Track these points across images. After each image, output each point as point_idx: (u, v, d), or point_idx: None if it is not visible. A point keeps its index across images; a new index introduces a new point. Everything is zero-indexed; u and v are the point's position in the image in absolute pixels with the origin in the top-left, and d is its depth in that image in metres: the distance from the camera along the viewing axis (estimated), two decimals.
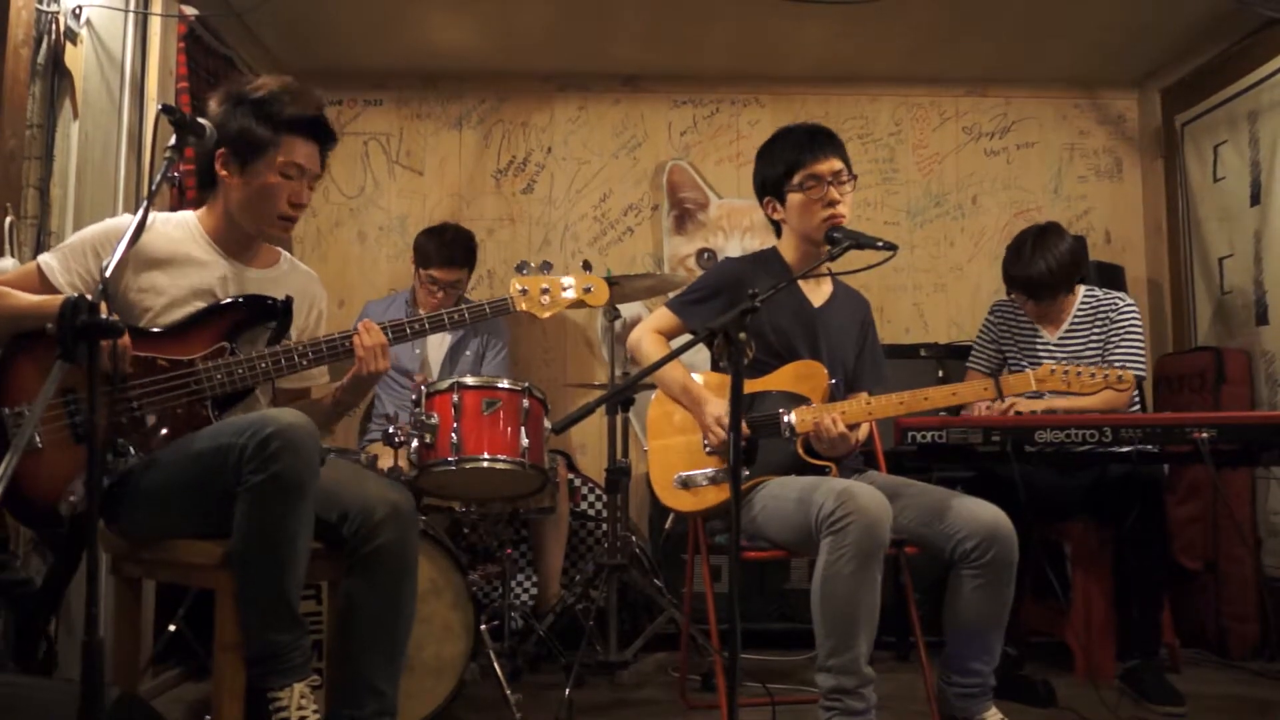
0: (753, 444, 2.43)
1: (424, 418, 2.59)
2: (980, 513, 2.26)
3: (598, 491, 3.70)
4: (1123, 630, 2.87)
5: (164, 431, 1.96)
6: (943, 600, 2.35)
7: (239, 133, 2.05)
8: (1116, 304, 3.04)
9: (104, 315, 1.47)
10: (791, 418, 2.40)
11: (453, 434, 2.57)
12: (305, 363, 2.06)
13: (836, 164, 2.47)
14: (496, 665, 2.62)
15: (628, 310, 3.98)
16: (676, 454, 2.52)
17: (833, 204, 2.44)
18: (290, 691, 1.82)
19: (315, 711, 1.83)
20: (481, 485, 2.76)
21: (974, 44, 3.99)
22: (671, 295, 2.70)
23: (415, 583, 2.03)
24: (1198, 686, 2.89)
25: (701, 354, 2.83)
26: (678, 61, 4.19)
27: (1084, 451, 2.69)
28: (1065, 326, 3.08)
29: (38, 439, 1.88)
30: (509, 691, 2.59)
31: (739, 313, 1.74)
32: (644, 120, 4.35)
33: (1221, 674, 3.22)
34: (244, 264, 2.18)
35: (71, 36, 2.68)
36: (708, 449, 2.47)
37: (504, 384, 2.67)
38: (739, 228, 4.31)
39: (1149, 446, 2.56)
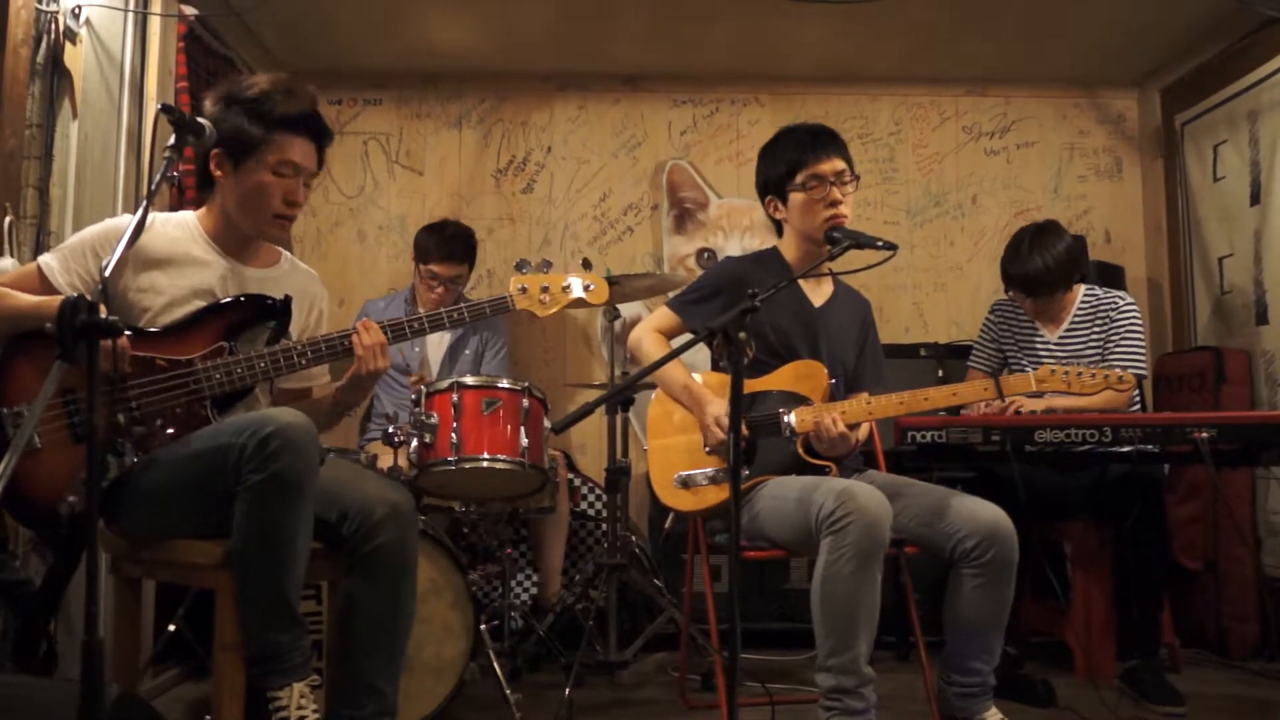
0: (752, 444, 2.43)
1: (423, 417, 2.59)
2: (980, 512, 2.26)
3: (597, 491, 3.70)
4: (1123, 630, 2.87)
5: (163, 431, 1.96)
6: (943, 600, 2.35)
7: (232, 132, 2.04)
8: (1117, 303, 3.04)
9: (103, 315, 1.47)
10: (792, 417, 2.40)
11: (452, 434, 2.57)
12: (304, 362, 2.06)
13: (839, 164, 2.47)
14: (496, 665, 2.62)
15: (627, 310, 3.98)
16: (676, 453, 2.52)
17: (835, 204, 2.45)
18: (290, 691, 1.82)
19: (315, 711, 1.83)
20: (481, 485, 2.76)
21: (974, 44, 3.99)
22: (672, 294, 2.70)
23: (415, 582, 2.03)
24: (1198, 686, 2.88)
25: (702, 353, 2.85)
26: (678, 61, 4.18)
27: (1084, 451, 2.69)
28: (1065, 325, 3.08)
29: (37, 439, 1.88)
30: (509, 691, 2.59)
31: (739, 312, 1.74)
32: (644, 120, 4.35)
33: (1221, 674, 3.22)
34: (244, 263, 2.18)
35: (71, 36, 2.68)
36: (708, 449, 2.47)
37: (504, 384, 2.67)
38: (739, 227, 4.31)
39: (1149, 446, 2.56)
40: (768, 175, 2.56)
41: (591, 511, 3.73)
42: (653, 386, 2.70)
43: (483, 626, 2.60)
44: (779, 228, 2.63)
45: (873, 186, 4.31)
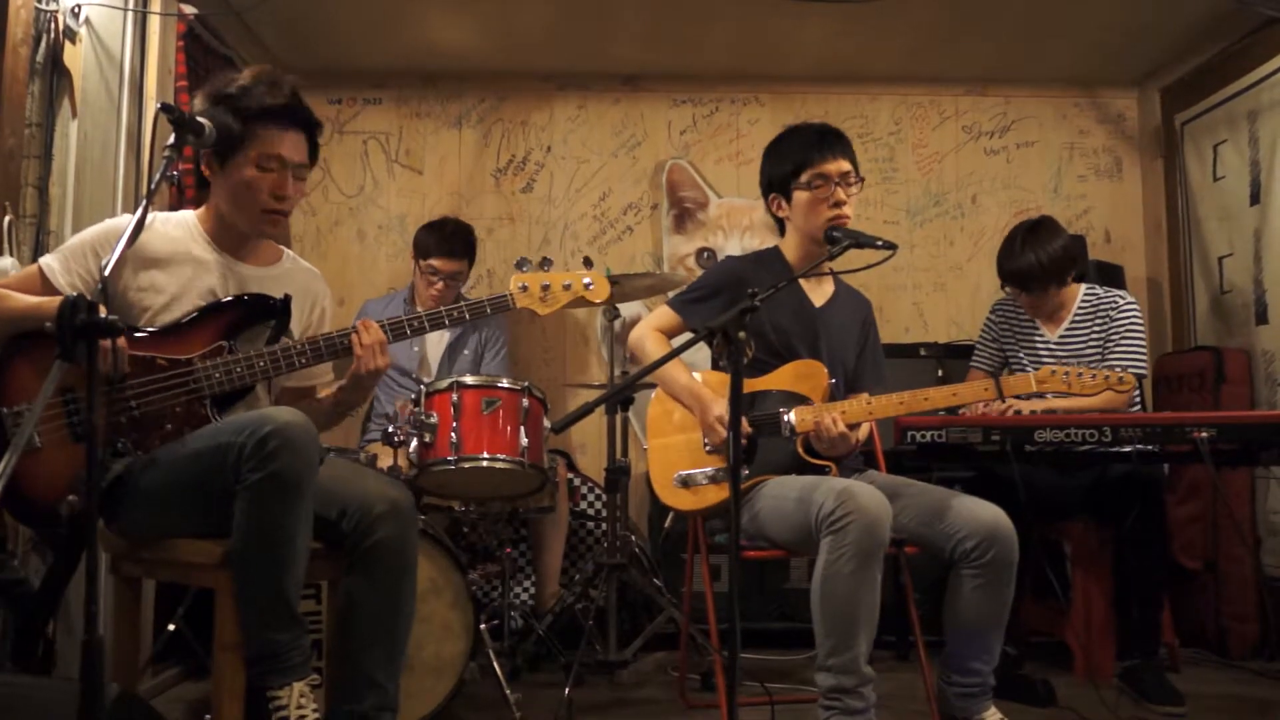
0: (753, 443, 2.43)
1: (423, 417, 2.58)
2: (980, 512, 2.26)
3: (597, 491, 3.70)
4: (1122, 630, 2.87)
5: (163, 430, 1.96)
6: (942, 600, 2.35)
7: (217, 129, 2.02)
8: (1117, 302, 3.04)
9: (102, 315, 1.46)
10: (792, 417, 2.40)
11: (452, 433, 2.57)
12: (303, 361, 2.05)
13: (845, 165, 2.48)
14: (496, 664, 2.62)
15: (627, 309, 3.97)
16: (676, 453, 2.52)
17: (839, 204, 2.45)
18: (290, 690, 1.82)
19: (315, 711, 1.83)
20: (481, 484, 2.76)
21: (974, 44, 3.99)
22: (672, 294, 2.70)
23: (415, 579, 2.03)
24: (1197, 686, 2.88)
25: (702, 353, 2.84)
26: (678, 61, 4.18)
27: (1084, 451, 2.68)
28: (1066, 325, 3.09)
29: (36, 438, 1.88)
30: (508, 691, 2.59)
31: (738, 312, 1.74)
32: (644, 119, 4.35)
33: (1221, 674, 3.22)
34: (244, 262, 2.18)
35: (70, 35, 2.67)
36: (708, 448, 2.47)
37: (503, 383, 2.67)
38: (738, 227, 4.31)
39: (1149, 446, 2.56)
40: (773, 173, 2.56)
41: (591, 511, 3.72)
42: (652, 386, 2.70)
43: (482, 626, 2.60)
44: (781, 226, 2.63)
45: (873, 186, 4.31)
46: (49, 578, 2.12)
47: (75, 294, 1.48)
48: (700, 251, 4.30)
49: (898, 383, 2.53)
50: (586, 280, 2.20)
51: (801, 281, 2.56)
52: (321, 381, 2.31)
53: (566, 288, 2.19)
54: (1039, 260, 2.95)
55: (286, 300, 2.12)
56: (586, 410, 1.77)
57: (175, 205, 2.97)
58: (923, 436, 2.57)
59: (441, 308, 2.17)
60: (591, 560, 3.33)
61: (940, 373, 3.69)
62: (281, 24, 3.75)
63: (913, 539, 2.38)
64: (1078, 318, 3.08)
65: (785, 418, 2.41)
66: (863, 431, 2.57)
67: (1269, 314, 3.58)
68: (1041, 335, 3.11)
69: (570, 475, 3.60)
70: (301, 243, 4.22)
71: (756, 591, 3.51)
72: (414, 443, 2.59)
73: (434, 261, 3.52)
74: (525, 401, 2.65)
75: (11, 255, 2.41)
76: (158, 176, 1.87)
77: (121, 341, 1.89)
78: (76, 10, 2.69)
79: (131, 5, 2.94)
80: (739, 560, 1.77)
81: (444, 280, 3.54)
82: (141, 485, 1.91)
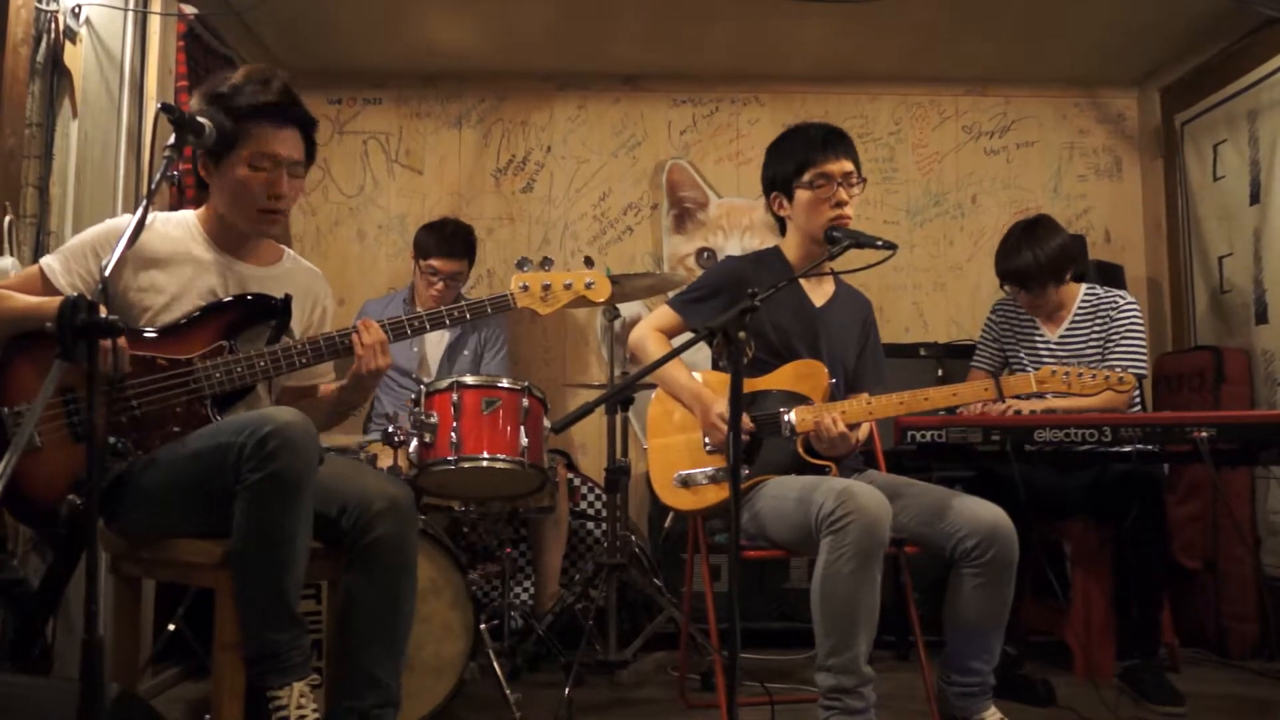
0: (757, 441, 2.43)
1: (423, 417, 2.59)
2: (980, 512, 2.27)
3: (597, 491, 3.70)
4: (1122, 630, 2.87)
5: (163, 430, 1.96)
6: (942, 599, 2.35)
7: (211, 130, 2.03)
8: (1117, 302, 3.04)
9: (102, 315, 1.46)
10: (792, 417, 2.40)
11: (452, 433, 2.57)
12: (304, 361, 2.05)
13: (848, 165, 2.48)
14: (496, 664, 2.62)
15: (627, 309, 3.98)
16: (676, 452, 2.52)
17: (841, 204, 2.45)
18: (289, 690, 1.82)
19: (314, 711, 1.83)
20: (481, 484, 2.76)
21: (974, 44, 3.99)
22: (672, 293, 2.70)
23: (415, 577, 2.03)
24: (1197, 686, 2.88)
25: (702, 353, 2.84)
26: (678, 61, 4.18)
27: (1084, 451, 2.69)
28: (1066, 325, 3.09)
29: (37, 438, 1.88)
30: (508, 691, 2.59)
31: (738, 312, 1.75)
32: (643, 119, 4.35)
33: (1221, 674, 3.22)
34: (244, 262, 2.18)
35: (71, 35, 2.67)
36: (708, 448, 2.47)
37: (504, 383, 2.67)
38: (738, 227, 4.31)
39: (1149, 446, 2.56)
40: (775, 171, 2.56)
41: (591, 511, 3.73)
42: (652, 386, 2.70)
43: (482, 626, 2.60)
44: (782, 225, 2.63)
45: (873, 186, 4.30)
46: (48, 577, 2.12)
47: (75, 294, 1.48)
48: (700, 251, 4.30)
49: (898, 383, 2.53)
50: (588, 280, 2.20)
51: (802, 281, 2.57)
52: (322, 380, 2.31)
53: (568, 287, 2.19)
54: (1036, 258, 2.95)
55: (287, 300, 2.12)
56: (586, 410, 1.77)
57: (175, 205, 2.97)
58: (923, 436, 2.57)
59: (442, 307, 2.17)
60: (591, 560, 3.33)
61: (940, 373, 3.70)
62: (281, 24, 3.75)
63: (913, 539, 2.38)
64: (1078, 317, 3.08)
65: (785, 417, 2.41)
66: (863, 431, 2.57)
67: (1269, 314, 3.58)
68: (1042, 335, 3.11)
69: (570, 475, 3.60)
70: (301, 243, 4.22)
71: (756, 591, 3.51)
72: (414, 443, 2.59)
73: (434, 262, 3.53)
74: (525, 401, 2.65)
75: (12, 255, 2.41)
76: (158, 176, 1.87)
77: (123, 342, 1.89)
78: (76, 10, 2.69)
79: (131, 5, 2.94)
80: (739, 560, 1.77)
81: (444, 281, 3.54)
82: (142, 485, 1.91)
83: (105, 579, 2.05)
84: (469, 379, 2.65)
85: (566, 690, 2.65)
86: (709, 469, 2.46)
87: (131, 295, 2.05)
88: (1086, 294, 3.09)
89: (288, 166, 2.08)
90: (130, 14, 2.94)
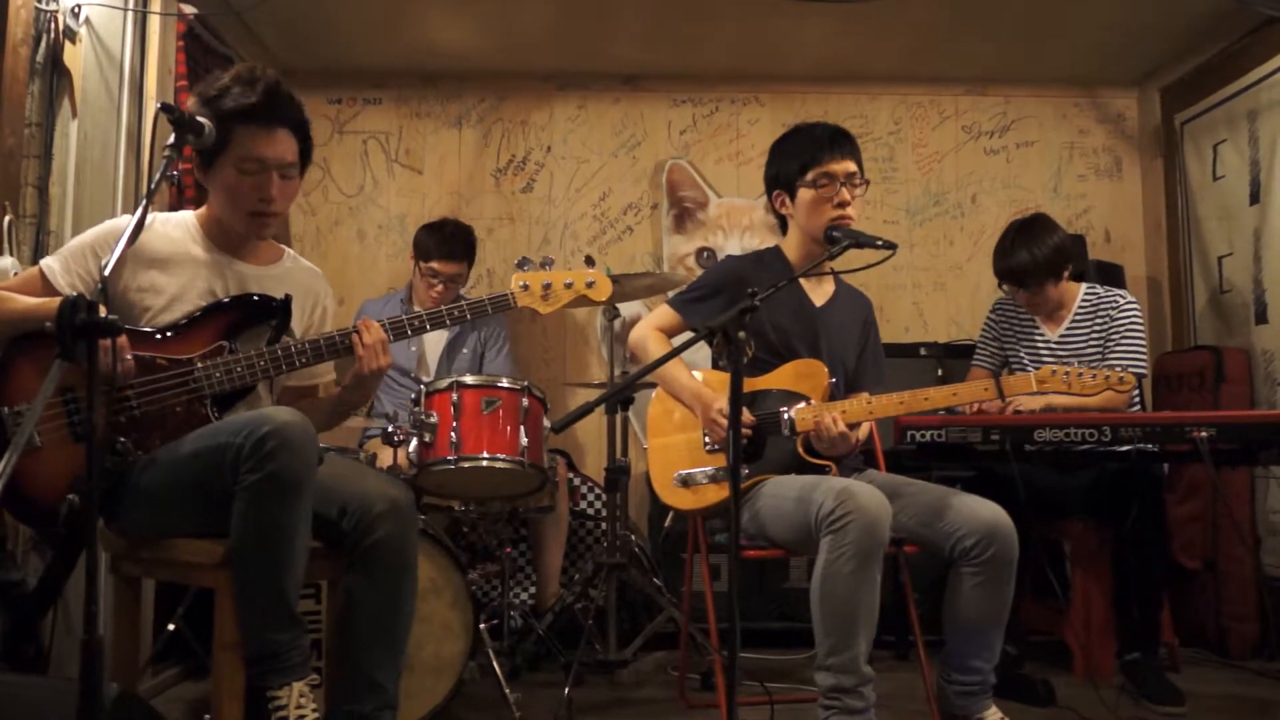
0: (760, 439, 2.43)
1: (423, 417, 2.58)
2: (980, 510, 2.27)
3: (597, 490, 3.70)
4: (1122, 629, 2.87)
5: (164, 430, 1.96)
6: (942, 599, 2.35)
7: (211, 130, 2.01)
8: (1117, 301, 3.04)
9: (102, 314, 1.46)
10: (792, 415, 2.40)
11: (452, 433, 2.57)
12: (303, 361, 2.05)
13: (851, 166, 2.48)
14: (496, 664, 2.62)
15: (627, 309, 3.97)
16: (676, 452, 2.52)
17: (843, 205, 2.45)
18: (289, 690, 1.82)
19: (314, 710, 1.83)
20: (481, 484, 2.76)
21: (974, 43, 3.99)
22: (672, 293, 2.70)
23: (415, 578, 2.03)
24: (1197, 686, 2.88)
25: (702, 352, 2.84)
26: (678, 61, 4.18)
27: (1083, 450, 2.68)
28: (1066, 324, 3.09)
29: (37, 438, 1.88)
30: (508, 690, 2.60)
31: (738, 311, 1.74)
32: (643, 119, 4.35)
33: (1221, 673, 3.22)
34: (244, 261, 2.18)
35: (70, 35, 2.67)
36: (709, 446, 2.48)
37: (503, 383, 2.67)
38: (738, 226, 4.31)
39: (1148, 445, 2.56)
40: (779, 170, 2.56)
41: (591, 511, 3.73)
42: (652, 385, 2.70)
43: (482, 625, 2.60)
44: (783, 224, 2.63)
45: (873, 186, 4.28)
46: (46, 577, 2.12)
47: (75, 294, 1.48)
48: (700, 251, 4.30)
49: (897, 382, 2.53)
50: (588, 279, 2.20)
51: (802, 281, 2.57)
52: (323, 380, 2.31)
53: (568, 286, 2.19)
54: (1033, 257, 2.95)
55: (287, 300, 2.12)
56: (586, 410, 1.77)
57: (175, 205, 2.97)
58: (923, 436, 2.57)
59: (442, 307, 2.17)
60: (591, 560, 3.33)
61: (940, 372, 3.70)
62: (281, 24, 3.75)
63: (912, 538, 2.38)
64: (1078, 317, 3.08)
65: (785, 415, 2.41)
66: (863, 431, 2.57)
67: (1269, 313, 3.58)
68: (1042, 334, 3.11)
69: (570, 475, 3.60)
70: (301, 242, 4.22)
71: (756, 591, 3.51)
72: (414, 442, 2.59)
73: (434, 264, 3.53)
74: (525, 401, 2.65)
75: (11, 255, 2.41)
76: (158, 176, 1.86)
77: (124, 342, 1.89)
78: (76, 10, 2.69)
79: (131, 5, 2.94)
80: (739, 560, 1.76)
81: (444, 283, 3.54)
82: (141, 485, 1.91)
83: (105, 579, 2.05)
84: (469, 379, 2.65)
85: (566, 690, 2.65)
86: (709, 468, 2.46)
87: (131, 295, 2.05)
88: (1086, 293, 3.09)
89: (277, 169, 2.06)
90: (130, 14, 2.94)
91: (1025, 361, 3.11)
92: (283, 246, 2.31)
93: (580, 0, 3.65)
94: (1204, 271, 3.96)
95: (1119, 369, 2.37)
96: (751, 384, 2.46)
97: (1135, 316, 3.01)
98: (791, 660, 3.26)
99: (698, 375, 2.56)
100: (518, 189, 4.33)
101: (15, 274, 2.22)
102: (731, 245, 4.28)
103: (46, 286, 2.00)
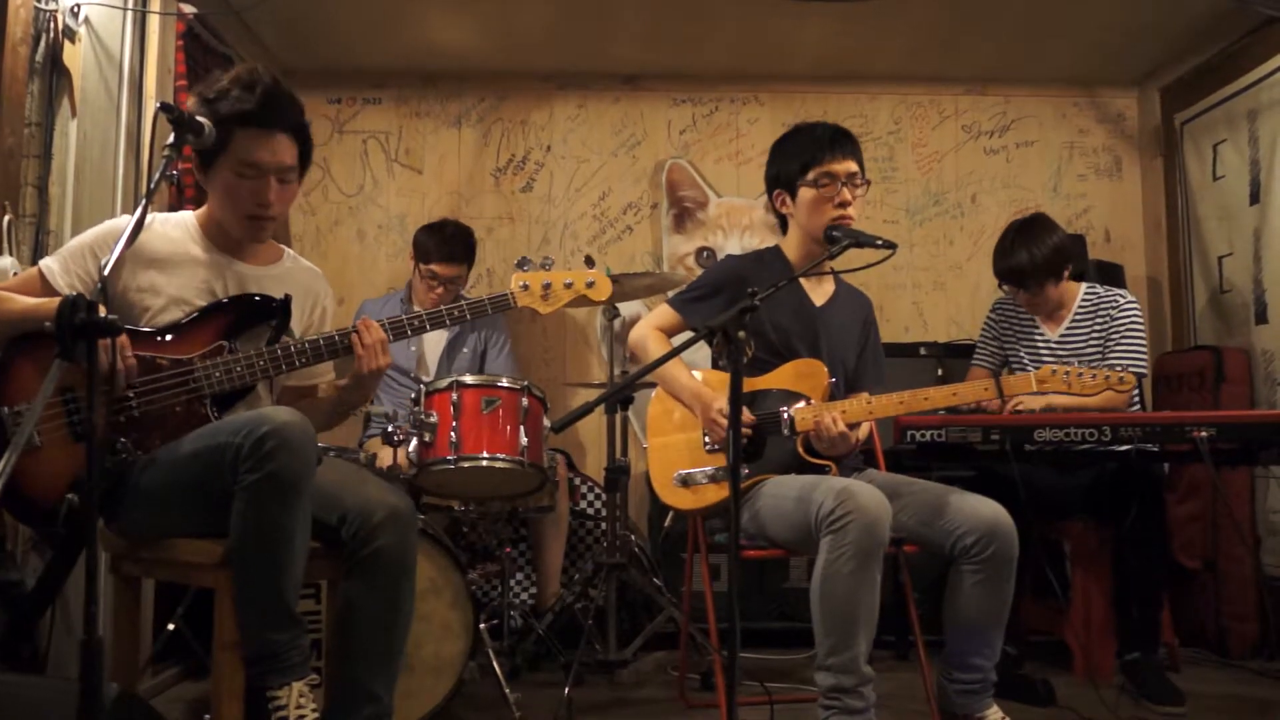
0: (760, 439, 2.43)
1: (423, 416, 2.58)
2: (980, 508, 2.27)
3: (597, 490, 3.70)
4: (1122, 629, 2.87)
5: (163, 430, 1.96)
6: (942, 598, 2.35)
7: (211, 130, 2.00)
8: (1117, 301, 3.04)
9: (102, 314, 1.46)
10: (792, 414, 2.40)
11: (452, 433, 2.57)
12: (304, 360, 2.05)
13: (852, 166, 2.48)
14: (495, 664, 2.62)
15: (627, 309, 3.97)
16: (676, 452, 2.52)
17: (844, 205, 2.45)
18: (289, 690, 1.82)
19: (314, 710, 1.83)
20: (480, 484, 2.76)
21: (974, 43, 3.99)
22: (672, 293, 2.70)
23: (414, 586, 2.02)
24: (1198, 686, 2.88)
25: (702, 352, 2.84)
26: (678, 61, 4.18)
27: (1083, 450, 2.68)
28: (1066, 324, 3.09)
29: (36, 437, 1.88)
30: (508, 690, 2.59)
31: (738, 311, 1.74)
32: (643, 119, 4.35)
33: (1221, 673, 3.22)
34: (243, 261, 2.18)
35: (70, 35, 2.67)
36: (709, 446, 2.47)
37: (503, 383, 2.67)
38: (738, 226, 4.30)
39: (1149, 445, 2.56)
40: (780, 169, 2.56)
41: (591, 511, 3.72)
42: (652, 385, 2.70)
43: (482, 625, 2.60)
44: (784, 223, 2.63)
45: (873, 185, 4.27)
46: (45, 577, 2.12)
47: (74, 294, 1.48)
48: (700, 251, 4.30)
49: (897, 382, 2.53)
50: (588, 279, 2.20)
51: (802, 281, 2.57)
52: (323, 380, 2.31)
53: (568, 286, 2.19)
54: (1032, 257, 2.95)
55: (287, 300, 2.12)
56: (586, 410, 1.77)
57: (175, 205, 2.97)
58: (923, 436, 2.57)
59: (442, 307, 2.17)
60: (591, 560, 3.33)
61: (940, 372, 3.69)
62: (281, 24, 3.75)
63: (912, 538, 2.38)
64: (1078, 317, 3.08)
65: (785, 414, 2.41)
66: (863, 431, 2.57)
67: (1269, 313, 3.58)
68: (1042, 334, 3.11)
69: (570, 474, 3.60)
70: (301, 242, 4.22)
71: (756, 591, 3.51)
72: (413, 442, 2.58)
73: (434, 266, 3.52)
74: (525, 401, 2.65)
75: (11, 255, 2.41)
76: (157, 176, 1.86)
77: (124, 341, 1.89)
78: (76, 10, 2.69)
79: (131, 5, 2.94)
80: (739, 560, 1.76)
81: (444, 285, 3.54)
82: (141, 485, 1.91)
83: (105, 579, 2.05)
84: (468, 378, 2.65)
85: (566, 690, 2.65)
86: (709, 468, 2.46)
87: (131, 295, 2.05)
88: (1087, 293, 3.09)
89: (275, 174, 2.05)
90: (129, 13, 2.94)
91: (1025, 361, 3.11)
92: (282, 246, 2.30)
93: (580, 0, 3.65)
94: (1204, 271, 3.96)
95: (1119, 369, 2.38)
96: (751, 384, 2.46)
97: (1135, 316, 3.01)
98: (791, 660, 3.26)
99: (698, 375, 2.56)
100: (517, 189, 4.32)
101: (15, 274, 2.22)
102: (731, 245, 4.28)
103: (46, 287, 2.00)
